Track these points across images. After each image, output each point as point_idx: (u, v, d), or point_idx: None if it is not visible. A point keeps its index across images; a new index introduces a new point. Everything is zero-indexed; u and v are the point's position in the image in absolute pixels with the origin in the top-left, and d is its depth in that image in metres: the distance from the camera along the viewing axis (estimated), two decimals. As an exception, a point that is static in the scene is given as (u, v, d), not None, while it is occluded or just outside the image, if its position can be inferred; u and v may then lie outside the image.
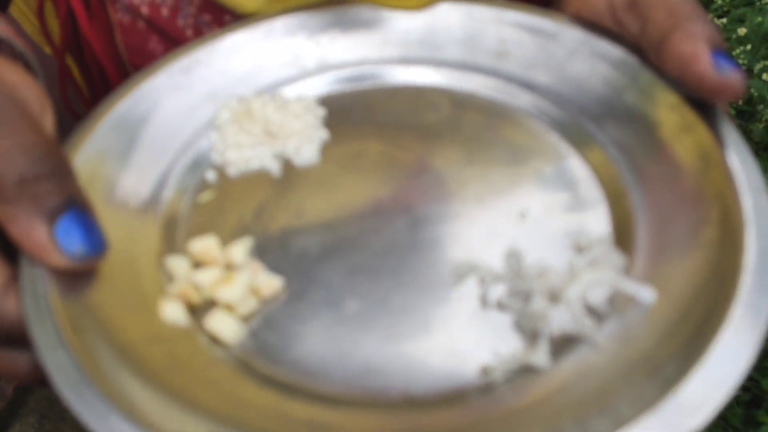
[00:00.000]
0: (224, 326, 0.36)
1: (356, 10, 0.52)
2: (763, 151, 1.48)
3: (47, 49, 0.62)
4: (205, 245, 0.39)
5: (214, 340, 0.37)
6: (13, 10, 0.61)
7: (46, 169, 0.34)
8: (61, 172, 0.35)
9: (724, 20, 1.65)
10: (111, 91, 0.60)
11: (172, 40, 0.56)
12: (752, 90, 1.52)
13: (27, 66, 0.44)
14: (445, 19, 0.52)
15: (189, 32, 0.56)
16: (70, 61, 0.61)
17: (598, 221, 0.42)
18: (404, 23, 0.52)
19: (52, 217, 0.34)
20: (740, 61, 1.59)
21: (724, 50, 0.40)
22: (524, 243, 0.41)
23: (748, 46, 1.56)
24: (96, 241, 0.34)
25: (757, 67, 1.58)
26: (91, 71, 0.61)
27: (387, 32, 0.52)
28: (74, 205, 0.34)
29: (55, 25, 0.61)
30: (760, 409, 1.21)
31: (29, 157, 0.34)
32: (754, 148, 1.47)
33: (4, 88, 0.37)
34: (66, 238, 0.34)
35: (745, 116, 1.56)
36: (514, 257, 0.39)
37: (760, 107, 1.53)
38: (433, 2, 0.52)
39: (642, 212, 0.41)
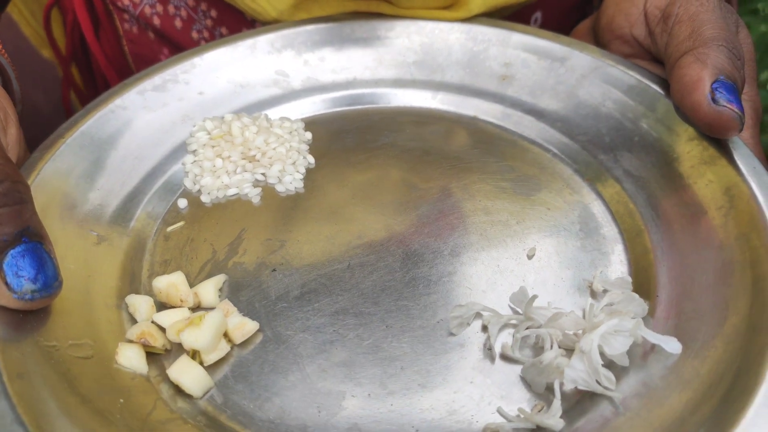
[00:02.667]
0: (189, 376, 0.31)
1: (349, 27, 0.48)
2: None
3: (45, 53, 0.59)
4: (171, 282, 0.35)
5: (178, 392, 0.32)
6: (13, 11, 0.58)
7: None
8: (16, 198, 0.30)
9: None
10: None
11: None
12: None
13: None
14: (445, 39, 0.48)
15: (203, 45, 0.53)
16: (73, 69, 0.59)
17: (615, 262, 0.37)
18: (400, 42, 0.49)
19: (0, 250, 0.29)
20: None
21: (734, 84, 0.37)
22: (533, 284, 0.36)
23: None
24: (48, 279, 0.30)
25: (762, 76, 1.54)
26: (96, 80, 0.59)
27: (381, 52, 0.48)
28: (27, 237, 0.29)
29: (60, 34, 0.58)
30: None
31: None
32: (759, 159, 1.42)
33: None
34: (15, 275, 0.29)
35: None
36: (522, 299, 0.35)
37: (765, 117, 1.49)
38: (478, 12, 0.48)
39: (662, 252, 0.37)
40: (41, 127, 0.34)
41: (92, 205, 0.38)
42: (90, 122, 0.40)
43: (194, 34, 0.53)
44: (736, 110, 0.36)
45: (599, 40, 0.47)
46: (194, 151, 0.43)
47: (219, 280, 0.36)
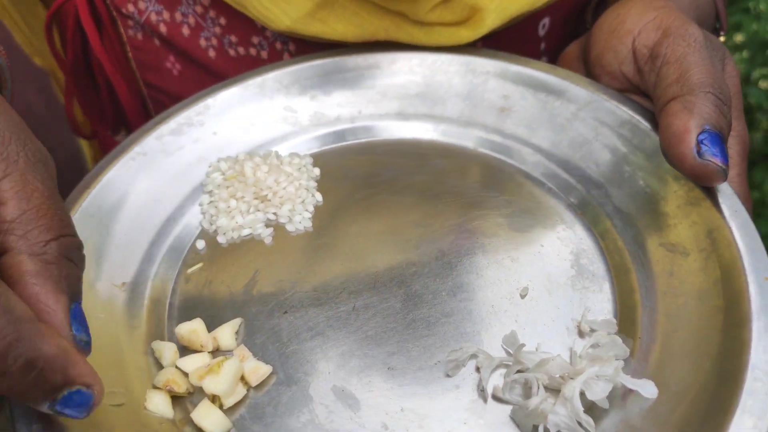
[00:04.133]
0: (210, 420, 0.35)
1: (353, 61, 0.51)
2: (762, 160, 1.44)
3: (37, 60, 0.60)
4: (192, 329, 0.38)
5: (200, 433, 0.35)
6: (5, 18, 0.59)
7: (74, 247, 0.31)
8: (79, 256, 0.32)
9: (720, 27, 1.60)
10: (120, 108, 0.60)
11: (192, 60, 0.55)
12: (750, 98, 1.48)
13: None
14: (446, 71, 0.50)
15: (212, 53, 0.54)
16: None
17: (602, 300, 0.40)
18: (403, 75, 0.51)
19: (72, 300, 0.30)
20: (737, 69, 1.54)
21: (720, 133, 0.38)
22: (524, 324, 0.39)
23: (744, 53, 1.52)
24: (89, 338, 0.31)
25: (755, 74, 1.54)
26: (99, 88, 0.60)
27: (385, 84, 0.51)
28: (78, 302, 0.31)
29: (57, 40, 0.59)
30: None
31: (63, 227, 0.31)
32: (752, 157, 1.43)
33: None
34: (81, 325, 0.31)
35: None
36: (513, 342, 0.38)
37: (758, 115, 1.49)
38: (479, 36, 0.49)
39: (646, 292, 0.39)
40: (33, 127, 0.34)
41: (116, 255, 0.41)
42: (113, 171, 0.43)
43: (202, 42, 0.53)
44: (720, 164, 0.38)
45: (590, 71, 0.49)
46: (210, 192, 0.46)
47: (235, 323, 0.39)
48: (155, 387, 0.36)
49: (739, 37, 1.49)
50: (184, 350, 0.38)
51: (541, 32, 0.56)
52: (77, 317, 0.31)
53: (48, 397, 0.29)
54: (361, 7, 0.49)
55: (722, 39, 0.55)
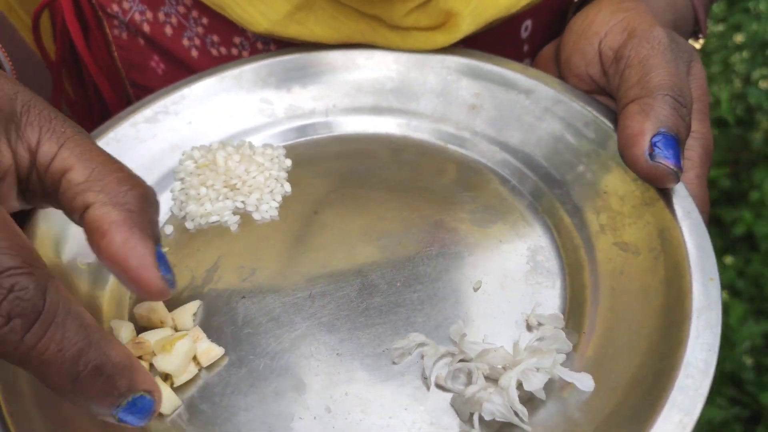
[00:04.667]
0: (160, 396, 0.36)
1: (330, 56, 0.52)
2: (762, 160, 1.43)
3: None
4: (151, 308, 0.39)
5: (151, 409, 0.37)
6: (12, 16, 0.60)
7: (147, 194, 0.33)
8: (153, 202, 0.34)
9: (721, 27, 1.58)
10: (106, 107, 0.62)
11: (176, 60, 0.56)
12: (750, 98, 1.47)
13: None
14: (421, 68, 0.51)
15: (194, 53, 0.55)
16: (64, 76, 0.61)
17: (553, 296, 0.40)
18: (378, 70, 0.52)
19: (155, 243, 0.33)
20: (737, 69, 1.52)
21: (676, 136, 0.39)
22: (474, 317, 0.40)
23: (744, 53, 1.51)
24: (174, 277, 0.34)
25: (755, 74, 1.52)
26: (87, 86, 0.61)
27: (360, 79, 0.52)
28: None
29: (49, 39, 0.60)
30: (759, 425, 1.17)
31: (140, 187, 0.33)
32: (752, 157, 1.43)
33: None
34: (163, 266, 0.33)
35: (743, 125, 1.51)
36: (459, 334, 0.38)
37: (758, 115, 1.48)
38: (454, 40, 0.50)
39: (595, 289, 0.40)
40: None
41: (82, 236, 0.42)
42: None
43: (185, 42, 0.54)
44: (672, 167, 0.38)
45: (561, 73, 0.49)
46: (182, 179, 0.47)
47: (194, 305, 0.40)
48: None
49: (739, 38, 1.48)
50: (143, 331, 0.40)
51: (524, 35, 0.57)
52: (162, 259, 0.33)
53: (114, 402, 0.29)
54: (338, 11, 0.50)
55: (700, 43, 0.55)
